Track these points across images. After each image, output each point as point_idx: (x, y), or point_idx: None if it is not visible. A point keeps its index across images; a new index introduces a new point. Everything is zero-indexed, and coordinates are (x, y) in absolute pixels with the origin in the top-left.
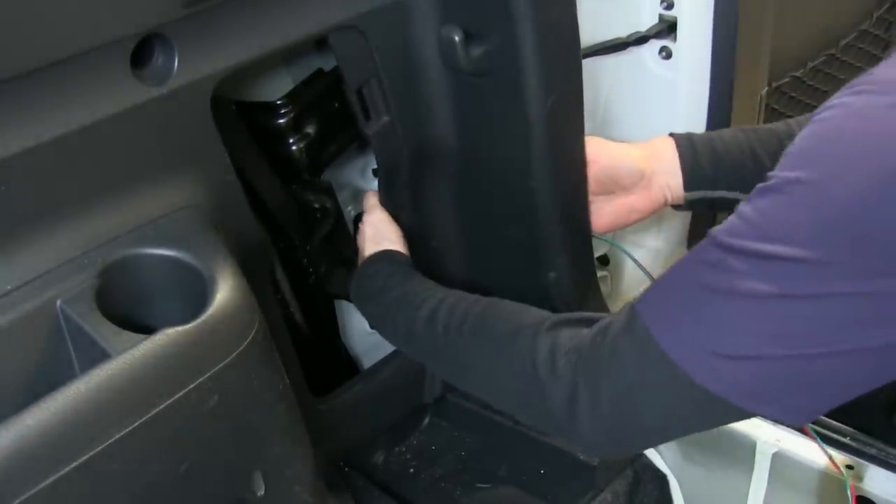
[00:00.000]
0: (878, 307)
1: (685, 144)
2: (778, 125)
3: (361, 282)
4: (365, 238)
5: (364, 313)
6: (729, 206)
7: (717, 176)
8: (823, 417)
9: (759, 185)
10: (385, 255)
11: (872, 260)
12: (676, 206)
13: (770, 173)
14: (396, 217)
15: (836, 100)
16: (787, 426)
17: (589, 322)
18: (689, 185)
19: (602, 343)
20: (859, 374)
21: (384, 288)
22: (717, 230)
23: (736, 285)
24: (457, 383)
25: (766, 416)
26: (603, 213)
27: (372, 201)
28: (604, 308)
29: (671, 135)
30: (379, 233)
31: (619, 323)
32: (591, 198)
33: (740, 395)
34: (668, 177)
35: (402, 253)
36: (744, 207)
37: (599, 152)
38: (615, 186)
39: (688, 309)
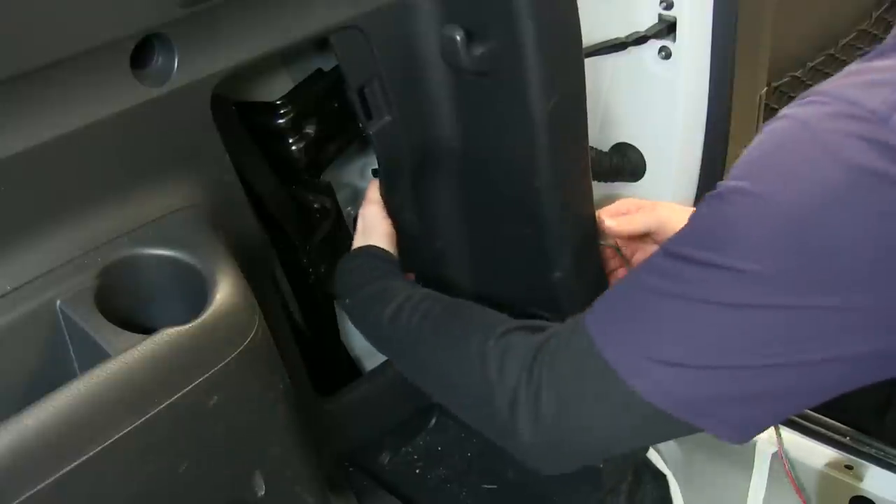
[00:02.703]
0: (816, 322)
1: None
2: None
3: (341, 276)
4: (356, 231)
5: (342, 307)
6: None
7: None
8: (823, 417)
9: (708, 193)
10: (367, 251)
11: (811, 274)
12: None
13: (719, 182)
14: (398, 217)
15: (786, 110)
16: (728, 441)
17: (543, 330)
18: None
19: (546, 350)
20: (796, 390)
21: (360, 283)
22: (672, 237)
23: (676, 291)
24: (417, 382)
25: (702, 429)
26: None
27: (372, 195)
28: None
29: None
30: (368, 227)
31: (565, 330)
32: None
33: (674, 404)
34: None
35: (384, 249)
36: (693, 216)
37: (664, 223)
38: None
39: (628, 313)
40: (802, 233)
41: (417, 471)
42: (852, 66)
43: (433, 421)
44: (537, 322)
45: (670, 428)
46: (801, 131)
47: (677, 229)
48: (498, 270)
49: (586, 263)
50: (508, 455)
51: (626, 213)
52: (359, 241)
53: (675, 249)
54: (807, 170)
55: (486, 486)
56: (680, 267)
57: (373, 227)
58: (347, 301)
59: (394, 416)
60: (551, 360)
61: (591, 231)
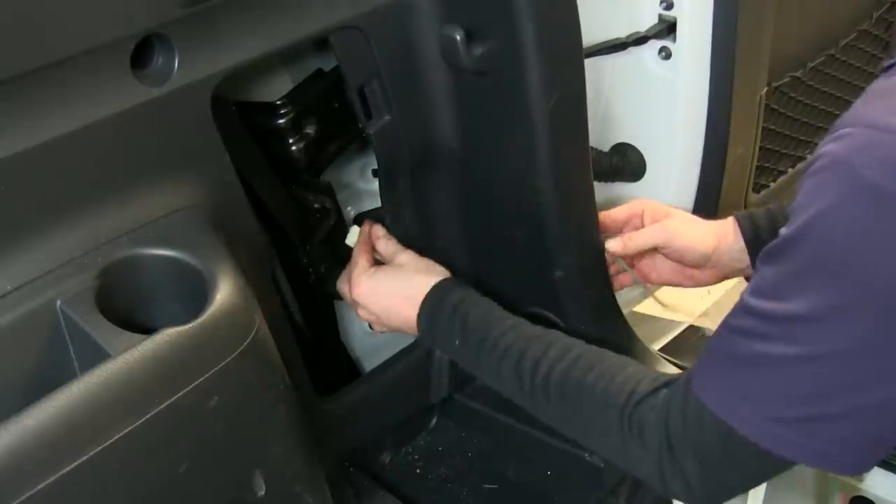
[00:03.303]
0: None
1: (745, 222)
2: None
3: (437, 323)
4: (409, 269)
5: (447, 353)
6: None
7: None
8: None
9: (771, 243)
10: (448, 287)
11: (880, 308)
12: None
13: (781, 230)
14: (398, 217)
15: (822, 148)
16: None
17: (665, 385)
18: (755, 258)
19: (673, 422)
20: None
21: (463, 329)
22: (745, 293)
23: (770, 352)
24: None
25: (832, 471)
26: (664, 268)
27: (391, 248)
28: (615, 305)
29: (734, 216)
30: (419, 262)
31: (679, 404)
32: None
33: (805, 456)
34: (734, 256)
35: (450, 279)
36: (762, 267)
37: (671, 238)
38: (682, 263)
39: (737, 384)
40: (859, 270)
41: (418, 470)
42: (878, 84)
43: (433, 421)
44: (656, 380)
45: (797, 463)
46: (837, 169)
47: (686, 243)
48: (499, 269)
49: (587, 262)
50: (509, 455)
51: (635, 214)
52: (423, 279)
53: (752, 305)
54: (847, 204)
55: (486, 485)
56: (761, 324)
57: (423, 262)
58: (450, 347)
59: (394, 415)
60: (681, 431)
61: (593, 230)
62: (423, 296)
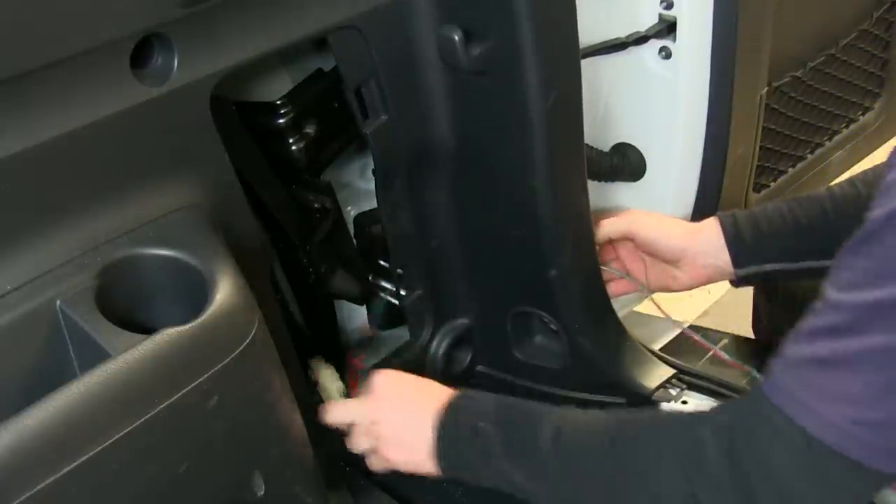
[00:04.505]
0: None
1: (728, 223)
2: (820, 192)
3: (467, 407)
4: (409, 395)
5: (459, 454)
6: (784, 278)
7: (761, 250)
8: None
9: (860, 232)
10: (463, 401)
11: None
12: (732, 283)
13: (868, 215)
14: (394, 217)
15: None
16: None
17: (728, 411)
18: (736, 262)
19: (740, 444)
20: None
21: (496, 409)
22: (828, 288)
23: (863, 345)
24: None
25: None
26: (652, 272)
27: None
28: (608, 304)
29: (716, 215)
30: (419, 383)
31: (746, 416)
32: (640, 256)
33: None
34: (713, 256)
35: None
36: (850, 257)
37: (640, 227)
38: (658, 258)
39: (822, 385)
40: None
41: None
42: None
43: None
44: (712, 407)
45: (885, 482)
46: None
47: (654, 234)
48: (494, 269)
49: (582, 262)
50: None
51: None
52: (427, 402)
53: (840, 299)
54: None
55: None
56: (850, 316)
57: (422, 382)
58: (480, 425)
59: None
60: (754, 448)
61: (587, 229)
62: (448, 395)
